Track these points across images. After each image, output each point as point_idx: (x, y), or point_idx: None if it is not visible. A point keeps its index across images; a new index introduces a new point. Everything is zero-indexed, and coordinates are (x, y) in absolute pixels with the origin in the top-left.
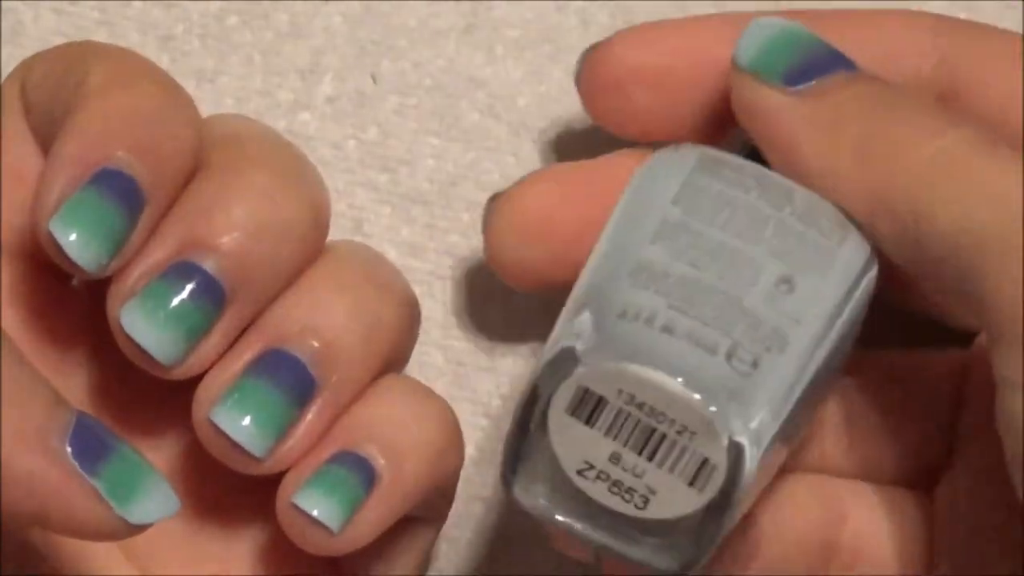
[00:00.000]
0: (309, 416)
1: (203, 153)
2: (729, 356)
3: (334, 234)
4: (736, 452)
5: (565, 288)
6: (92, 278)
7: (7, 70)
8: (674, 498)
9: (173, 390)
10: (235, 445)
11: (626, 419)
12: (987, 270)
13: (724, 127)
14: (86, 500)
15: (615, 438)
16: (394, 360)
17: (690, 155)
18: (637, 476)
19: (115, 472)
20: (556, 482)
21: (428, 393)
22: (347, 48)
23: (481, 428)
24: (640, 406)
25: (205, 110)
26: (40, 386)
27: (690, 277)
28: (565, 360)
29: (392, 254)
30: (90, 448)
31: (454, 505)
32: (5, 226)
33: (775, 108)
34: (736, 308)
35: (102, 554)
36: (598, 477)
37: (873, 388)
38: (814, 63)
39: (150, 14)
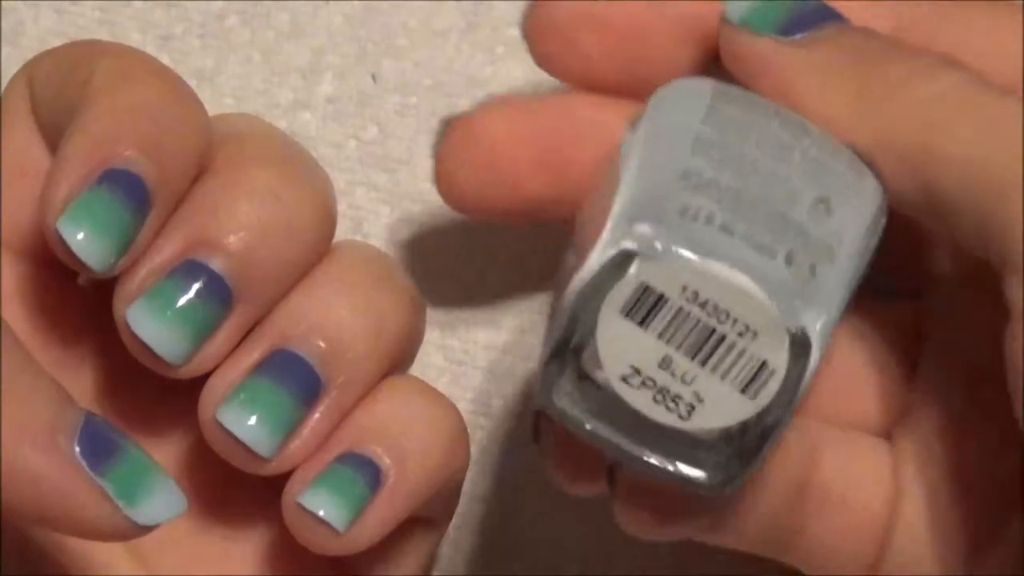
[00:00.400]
0: (315, 416)
1: (210, 152)
2: (788, 261)
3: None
4: (797, 353)
5: (511, 217)
6: (100, 277)
7: (7, 70)
8: (723, 406)
9: (179, 389)
10: (241, 445)
11: (685, 319)
12: (1005, 203)
13: (674, 74)
14: (94, 500)
15: (669, 340)
16: (400, 360)
17: (706, 84)
18: (686, 383)
19: (123, 472)
20: (592, 390)
21: (434, 393)
22: (348, 48)
23: (481, 428)
24: (703, 304)
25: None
26: (47, 385)
27: (736, 186)
28: (623, 261)
29: (392, 254)
30: (98, 448)
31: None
32: (12, 225)
33: (770, 57)
34: (785, 219)
35: (106, 552)
36: (643, 384)
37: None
38: (805, 16)
39: (150, 14)
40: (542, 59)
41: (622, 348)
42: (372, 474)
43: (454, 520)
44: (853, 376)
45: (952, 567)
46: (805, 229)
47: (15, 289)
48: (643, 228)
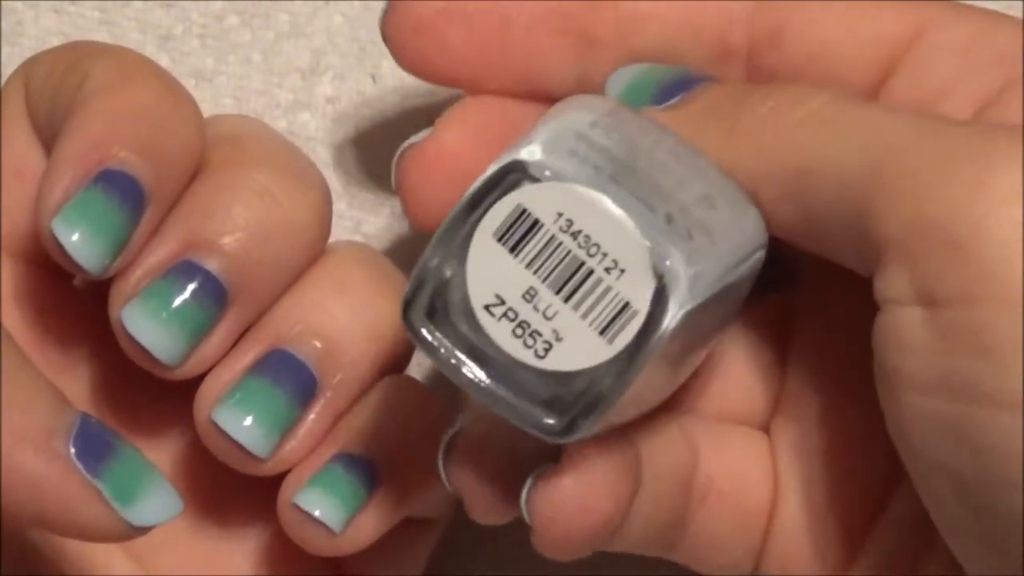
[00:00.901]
0: (311, 416)
1: (205, 153)
2: (668, 220)
3: (334, 234)
4: (660, 299)
5: None
6: (95, 278)
7: (7, 70)
8: (580, 348)
9: (175, 390)
10: (237, 445)
11: (555, 248)
12: (872, 201)
13: (540, 69)
14: (89, 502)
15: (537, 271)
16: (396, 360)
17: (609, 101)
18: (547, 318)
19: (118, 474)
20: (455, 316)
21: (428, 392)
22: (347, 48)
23: None
24: (575, 235)
25: (204, 110)
26: (43, 387)
27: (626, 159)
28: (512, 173)
29: (391, 255)
30: (93, 450)
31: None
32: (8, 226)
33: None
34: (669, 194)
35: (103, 553)
36: (505, 315)
37: None
38: (674, 84)
39: (150, 14)
40: (407, 60)
41: (490, 275)
42: (367, 474)
43: (453, 520)
44: (730, 370)
45: (832, 555)
46: (687, 207)
47: (11, 291)
48: (533, 148)
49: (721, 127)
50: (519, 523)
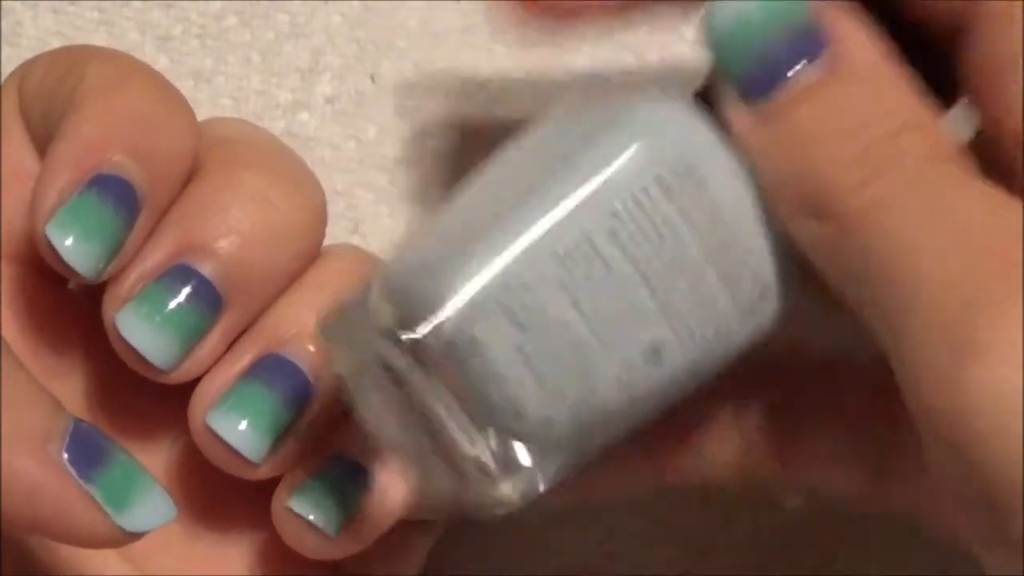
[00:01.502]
0: (306, 421)
1: (199, 156)
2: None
3: (333, 235)
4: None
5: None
6: (89, 282)
7: (7, 70)
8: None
9: (170, 394)
10: (231, 450)
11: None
12: None
13: None
14: (83, 507)
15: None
16: None
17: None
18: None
19: (111, 479)
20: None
21: None
22: (346, 48)
23: None
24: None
25: (203, 111)
26: (38, 393)
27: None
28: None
29: (391, 255)
30: (87, 455)
31: None
32: (4, 230)
33: (741, 130)
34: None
35: (99, 556)
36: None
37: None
38: (780, 55)
39: (149, 14)
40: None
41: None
42: (362, 478)
43: (454, 520)
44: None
45: None
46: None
47: (6, 294)
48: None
49: (790, 187)
50: (518, 523)
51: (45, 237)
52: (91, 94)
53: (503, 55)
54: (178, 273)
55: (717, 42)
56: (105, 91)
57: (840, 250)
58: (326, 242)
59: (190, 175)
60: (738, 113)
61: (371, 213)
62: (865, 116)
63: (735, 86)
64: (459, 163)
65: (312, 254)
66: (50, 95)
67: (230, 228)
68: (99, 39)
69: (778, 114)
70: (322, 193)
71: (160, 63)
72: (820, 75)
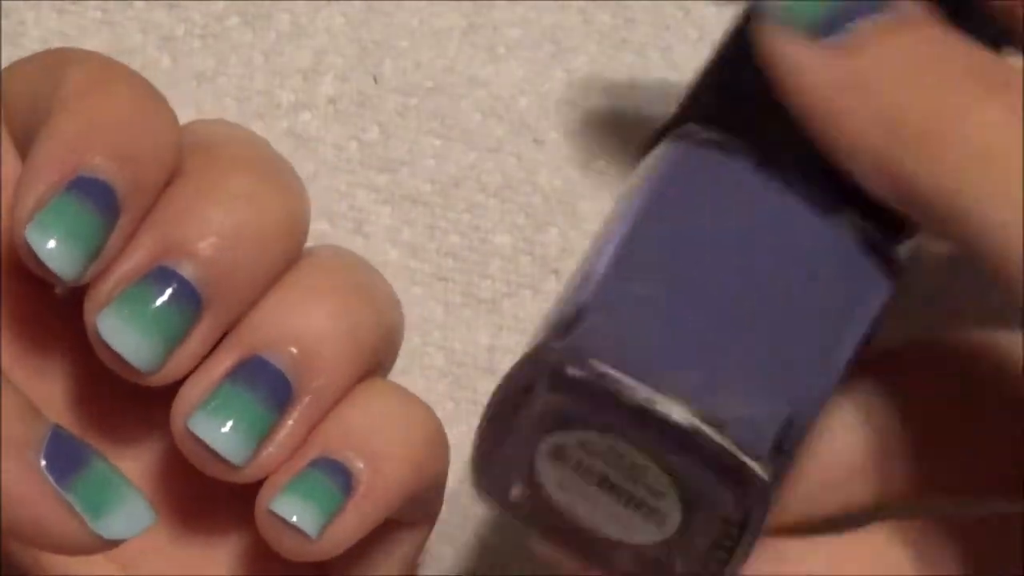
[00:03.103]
0: (288, 423)
1: (181, 157)
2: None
3: (335, 235)
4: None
5: None
6: (70, 286)
7: None
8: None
9: (153, 397)
10: (213, 453)
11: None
12: None
13: None
14: (60, 515)
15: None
16: (376, 365)
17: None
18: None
19: (89, 486)
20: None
21: (409, 397)
22: (349, 48)
23: None
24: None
25: (206, 111)
26: (16, 398)
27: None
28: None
29: (393, 255)
30: (64, 461)
31: (456, 507)
32: None
33: (804, 69)
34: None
35: (84, 559)
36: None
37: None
38: (850, 6)
39: (151, 14)
40: None
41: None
42: (344, 479)
43: (455, 520)
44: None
45: None
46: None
47: None
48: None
49: (879, 119)
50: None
51: (25, 241)
52: (71, 97)
53: (504, 55)
54: (159, 275)
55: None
56: (85, 94)
57: (939, 174)
58: (326, 242)
59: (171, 177)
60: (804, 50)
61: (373, 213)
62: (952, 49)
63: (804, 28)
64: (460, 163)
65: (294, 255)
66: (32, 98)
67: (210, 230)
68: (101, 39)
69: (865, 45)
70: (305, 193)
71: (162, 63)
72: (893, 21)
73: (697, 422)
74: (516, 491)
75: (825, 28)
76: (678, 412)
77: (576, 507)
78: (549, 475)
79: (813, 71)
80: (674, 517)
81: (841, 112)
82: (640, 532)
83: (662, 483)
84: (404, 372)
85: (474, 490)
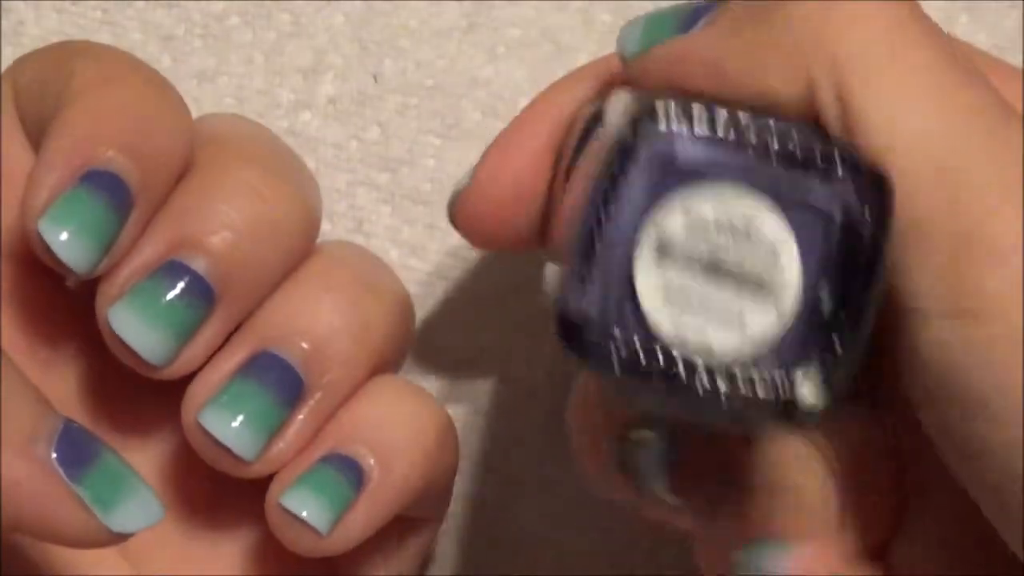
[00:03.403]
0: (299, 418)
1: (193, 151)
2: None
3: (335, 234)
4: None
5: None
6: (82, 279)
7: None
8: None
9: (164, 391)
10: (224, 448)
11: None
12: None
13: None
14: (70, 508)
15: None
16: (386, 360)
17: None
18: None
19: (99, 479)
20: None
21: (420, 393)
22: (349, 48)
23: (484, 428)
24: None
25: (206, 110)
26: (26, 391)
27: None
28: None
29: (393, 254)
30: (75, 455)
31: (458, 505)
32: (2, 227)
33: (680, 53)
34: None
35: (93, 553)
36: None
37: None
38: (697, 11)
39: (152, 14)
40: (480, 243)
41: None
42: (355, 475)
43: (458, 518)
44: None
45: None
46: None
47: (3, 291)
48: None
49: (756, 32)
50: (519, 523)
51: (38, 234)
52: (83, 90)
53: (503, 55)
54: (171, 269)
55: (644, 30)
56: (97, 86)
57: None
58: (319, 241)
59: (184, 171)
60: (679, 41)
61: (373, 212)
62: None
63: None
64: (461, 163)
65: (306, 250)
66: (43, 91)
67: (223, 223)
68: (102, 39)
69: (717, 15)
70: (316, 188)
71: (163, 63)
72: None
73: None
74: (618, 335)
75: (683, 27)
76: None
77: (684, 328)
78: (651, 284)
79: (691, 51)
80: (791, 284)
81: (729, 59)
82: (755, 320)
83: (780, 233)
84: (404, 372)
85: (569, 354)
